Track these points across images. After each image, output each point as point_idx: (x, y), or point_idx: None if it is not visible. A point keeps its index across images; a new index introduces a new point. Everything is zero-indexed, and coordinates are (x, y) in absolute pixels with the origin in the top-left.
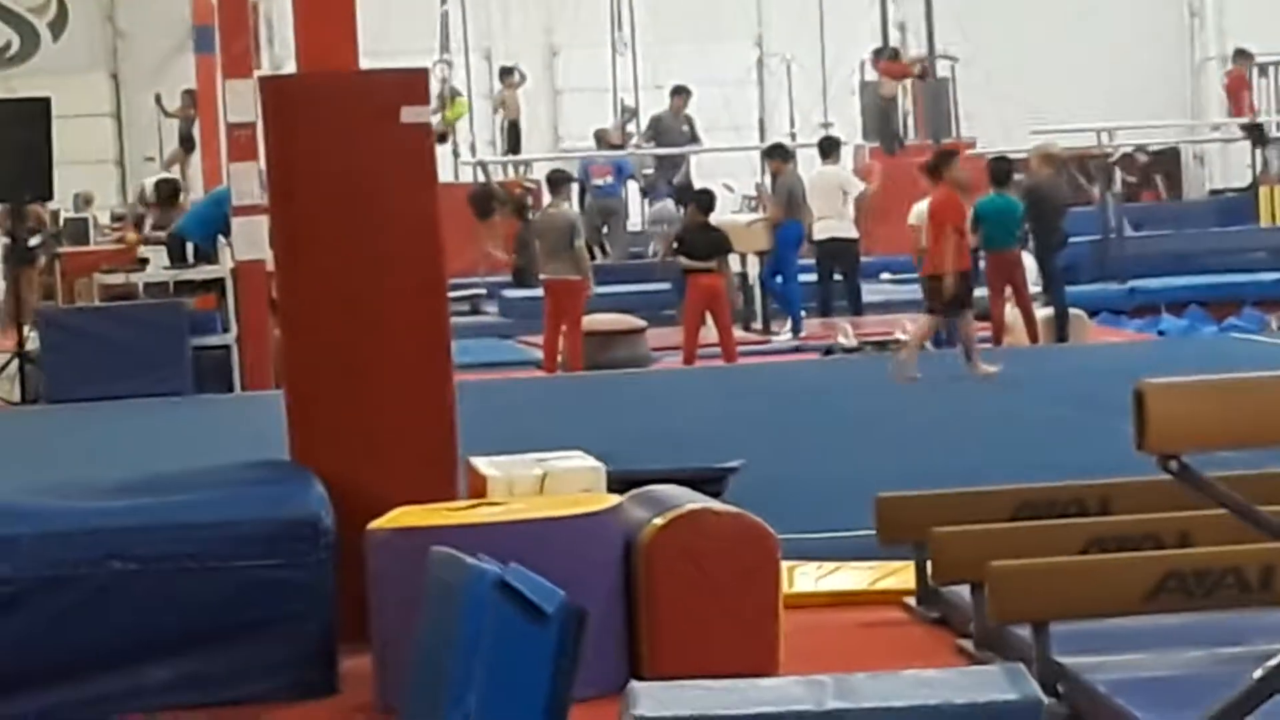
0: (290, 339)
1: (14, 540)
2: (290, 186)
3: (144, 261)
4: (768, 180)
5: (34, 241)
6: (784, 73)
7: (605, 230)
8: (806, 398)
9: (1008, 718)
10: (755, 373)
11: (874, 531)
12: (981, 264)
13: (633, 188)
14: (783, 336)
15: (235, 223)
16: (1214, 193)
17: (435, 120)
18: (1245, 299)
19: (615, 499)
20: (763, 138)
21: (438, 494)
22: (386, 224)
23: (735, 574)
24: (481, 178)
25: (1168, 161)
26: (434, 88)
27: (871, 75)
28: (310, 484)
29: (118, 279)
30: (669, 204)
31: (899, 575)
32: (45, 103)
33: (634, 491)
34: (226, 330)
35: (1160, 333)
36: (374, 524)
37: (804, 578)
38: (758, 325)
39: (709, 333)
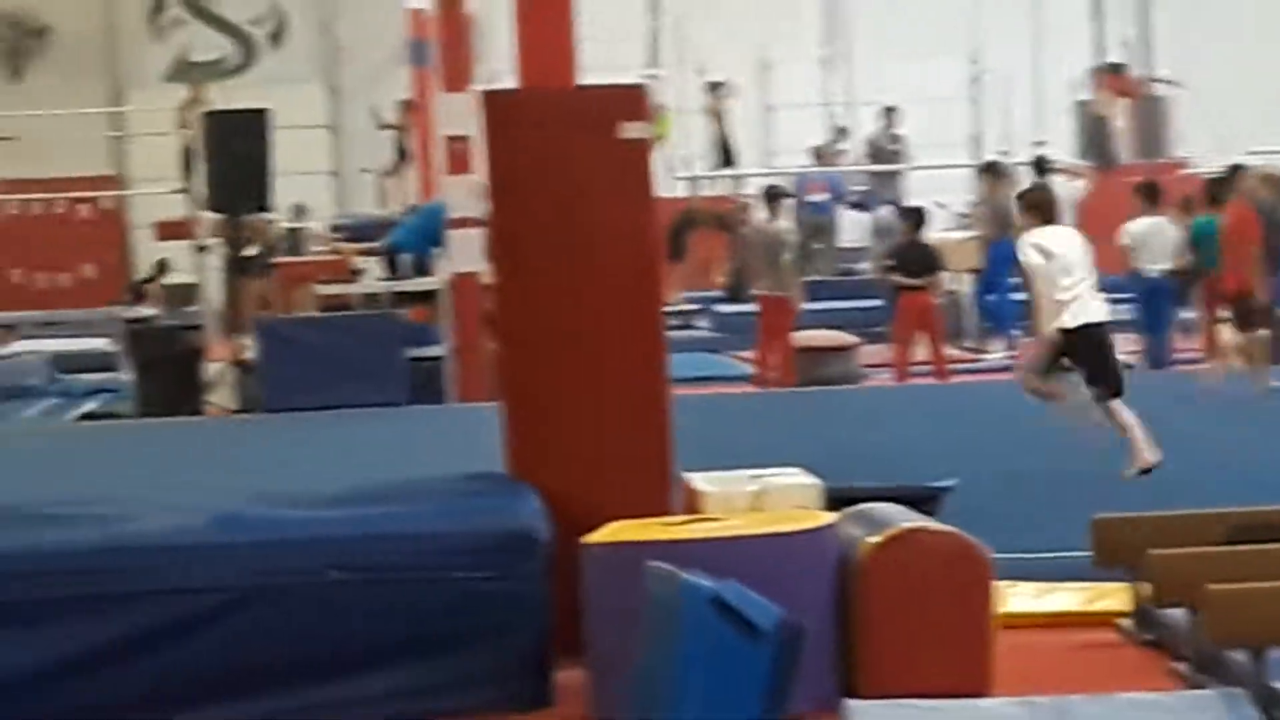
0: (508, 352)
1: (235, 548)
2: (509, 200)
3: (360, 273)
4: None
5: (251, 252)
6: (997, 89)
7: (818, 247)
8: (1018, 416)
9: None
10: (967, 391)
11: (1089, 553)
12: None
13: (846, 205)
14: (994, 354)
15: (451, 235)
16: None
17: None
18: None
19: (831, 516)
20: (975, 155)
21: (653, 509)
22: (605, 238)
23: (949, 593)
24: (689, 193)
25: None
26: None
27: (1087, 93)
28: (526, 497)
29: (334, 290)
30: (887, 215)
31: (1114, 597)
32: (265, 114)
33: (849, 509)
34: (441, 342)
35: None
36: (590, 538)
37: (1017, 598)
38: (969, 343)
39: (921, 350)
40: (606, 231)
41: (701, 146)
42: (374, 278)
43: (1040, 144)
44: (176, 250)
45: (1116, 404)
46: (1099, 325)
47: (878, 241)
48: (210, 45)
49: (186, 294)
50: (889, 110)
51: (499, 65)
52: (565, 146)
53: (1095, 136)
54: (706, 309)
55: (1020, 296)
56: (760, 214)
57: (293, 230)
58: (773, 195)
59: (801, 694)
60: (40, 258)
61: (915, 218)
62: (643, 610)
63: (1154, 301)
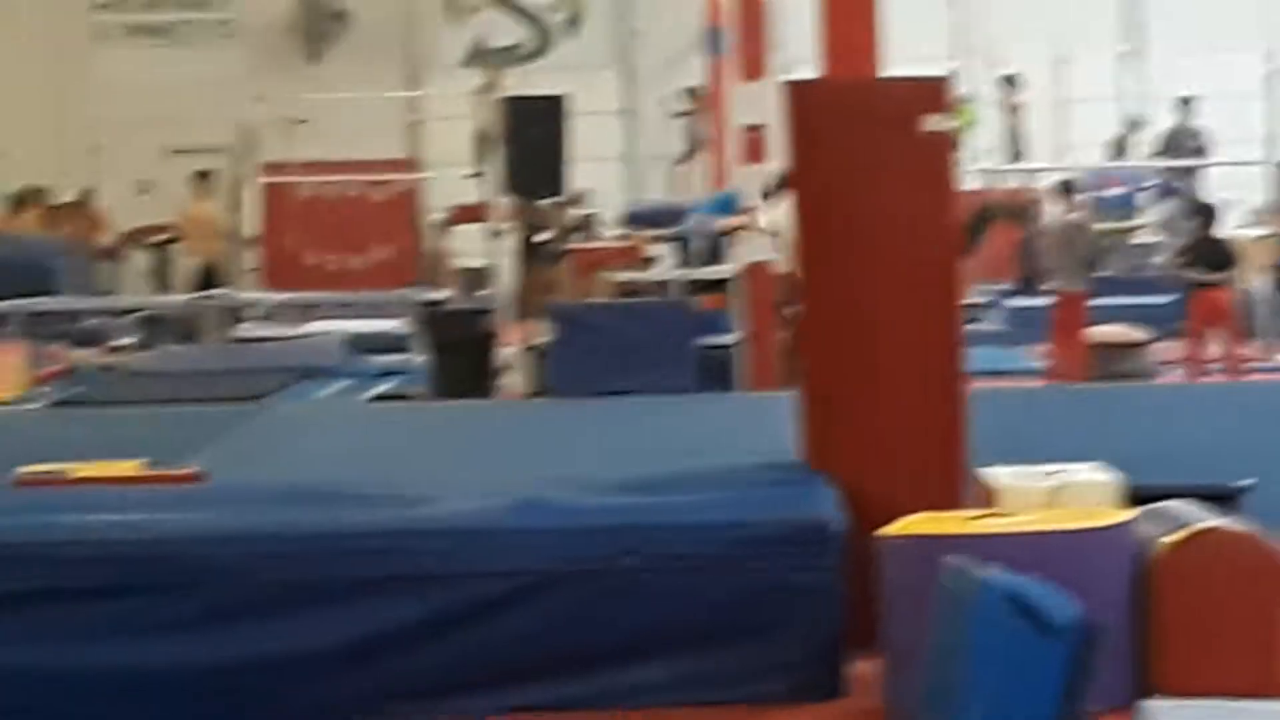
0: (807, 342)
1: (532, 533)
2: (809, 191)
3: (652, 260)
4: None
5: (544, 238)
6: None
7: (1112, 242)
8: None
9: None
10: (1261, 390)
11: None
12: None
13: (1141, 200)
14: None
15: None
16: None
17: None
18: None
19: (1128, 513)
20: (1271, 152)
21: (946, 502)
22: (905, 231)
23: (1248, 594)
24: (983, 185)
25: None
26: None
27: None
28: (821, 488)
29: (626, 276)
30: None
31: None
32: (559, 100)
33: (1146, 506)
34: (732, 330)
35: None
36: (885, 530)
37: None
38: (1263, 341)
39: (1214, 347)
40: (906, 224)
41: (995, 140)
42: (666, 265)
43: None
44: (470, 235)
45: None
46: None
47: (1171, 237)
48: (507, 31)
49: (480, 278)
50: (1186, 101)
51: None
52: (867, 139)
53: None
54: (997, 303)
55: None
56: (1055, 208)
57: (585, 216)
58: (1067, 189)
59: (1095, 692)
60: (335, 240)
61: (1207, 213)
62: (937, 604)
63: None
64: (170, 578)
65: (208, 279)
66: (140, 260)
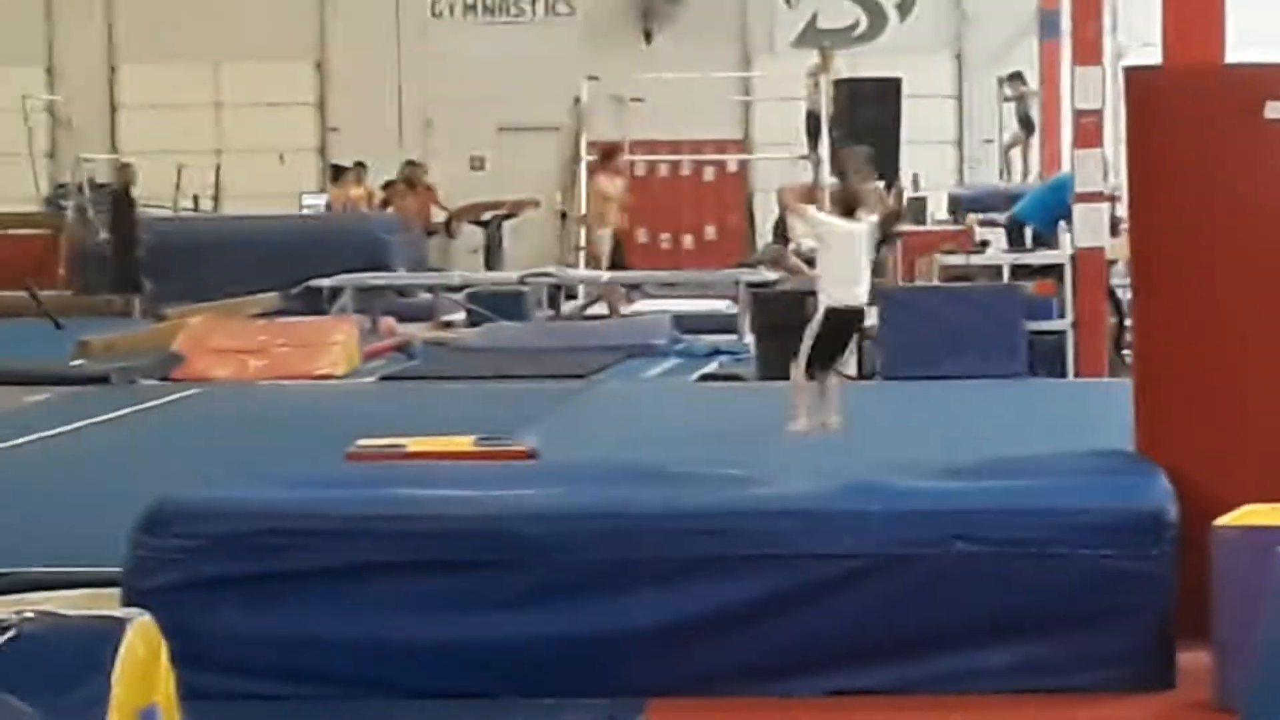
0: (1143, 330)
1: (864, 516)
2: (1150, 179)
3: (984, 244)
4: None
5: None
6: None
7: None
8: None
9: None
10: None
11: None
12: None
13: None
14: None
15: (1076, 210)
16: None
17: None
18: None
19: None
20: None
21: None
22: (1249, 219)
23: None
24: None
25: None
26: None
27: None
28: (1155, 476)
29: (957, 260)
30: None
31: None
32: (897, 83)
33: None
34: (1062, 316)
35: None
36: (1220, 520)
37: None
38: None
39: None
40: (1251, 212)
41: None
42: (997, 249)
43: None
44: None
45: None
46: None
47: None
48: (841, 13)
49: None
50: None
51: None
52: (1210, 126)
53: None
54: None
55: None
56: None
57: (915, 199)
58: None
59: None
60: (665, 218)
61: None
62: (1271, 597)
63: None
64: (504, 554)
65: (616, 251)
66: (472, 236)
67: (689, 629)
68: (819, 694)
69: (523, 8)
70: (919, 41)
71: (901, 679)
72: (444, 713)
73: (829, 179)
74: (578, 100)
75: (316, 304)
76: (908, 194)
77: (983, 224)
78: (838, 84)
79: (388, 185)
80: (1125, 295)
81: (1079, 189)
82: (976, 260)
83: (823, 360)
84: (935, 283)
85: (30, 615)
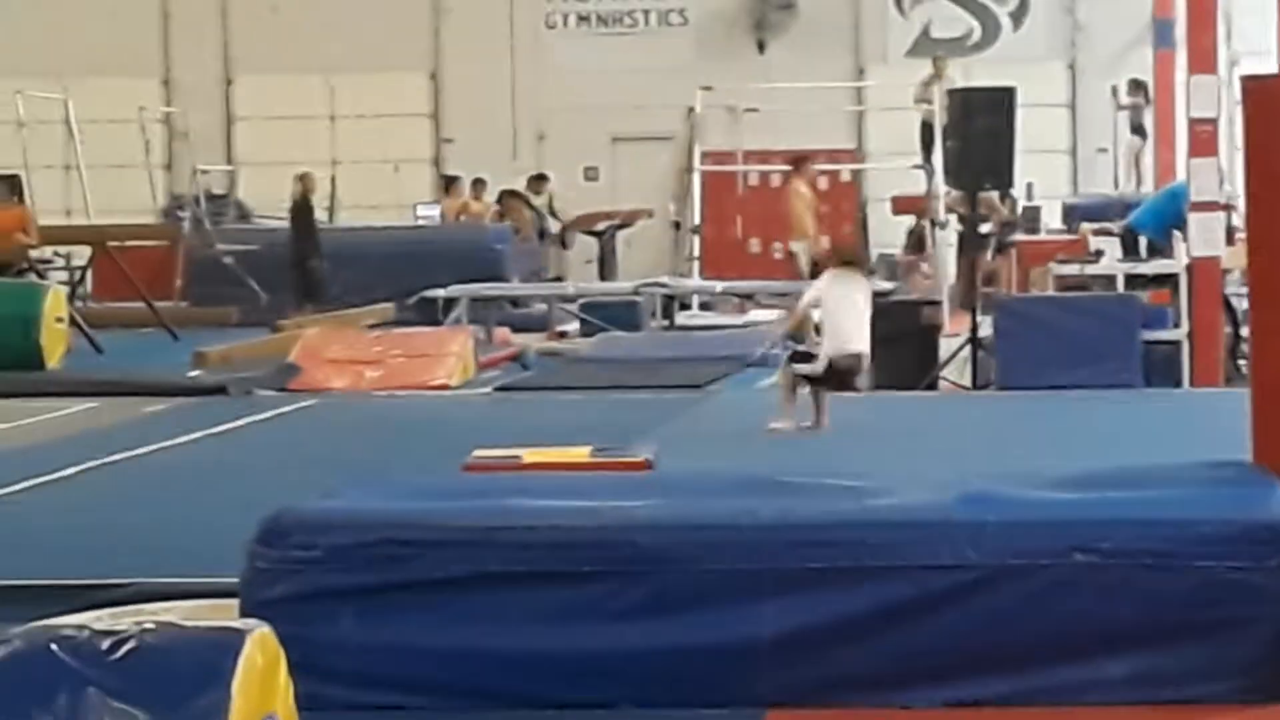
0: (1260, 340)
1: (981, 526)
2: (1267, 187)
3: (1098, 254)
4: None
5: (985, 229)
6: None
7: None
8: None
9: None
10: None
11: None
12: None
13: None
14: None
15: (1191, 219)
16: None
17: None
18: None
19: None
20: None
21: None
22: None
23: None
24: None
25: None
26: None
27: None
28: (1272, 486)
29: (1071, 269)
30: None
31: None
32: (1011, 92)
33: None
34: (1177, 326)
35: None
36: None
37: None
38: None
39: None
40: None
41: None
42: (1111, 259)
43: None
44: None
45: None
46: None
47: None
48: (954, 22)
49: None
50: None
51: (1244, 47)
52: None
53: None
54: None
55: None
56: None
57: (1028, 209)
58: None
59: None
60: (778, 228)
61: None
62: None
63: None
64: (622, 565)
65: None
66: (587, 246)
67: (806, 639)
68: (935, 705)
69: (636, 18)
70: (1032, 51)
71: (1018, 690)
72: None
73: (943, 188)
74: (691, 110)
75: (431, 314)
76: (1021, 203)
77: (1097, 233)
78: (951, 93)
79: (504, 195)
80: (1241, 304)
81: (1194, 198)
82: (1091, 270)
83: (826, 387)
84: (1050, 293)
85: (150, 626)
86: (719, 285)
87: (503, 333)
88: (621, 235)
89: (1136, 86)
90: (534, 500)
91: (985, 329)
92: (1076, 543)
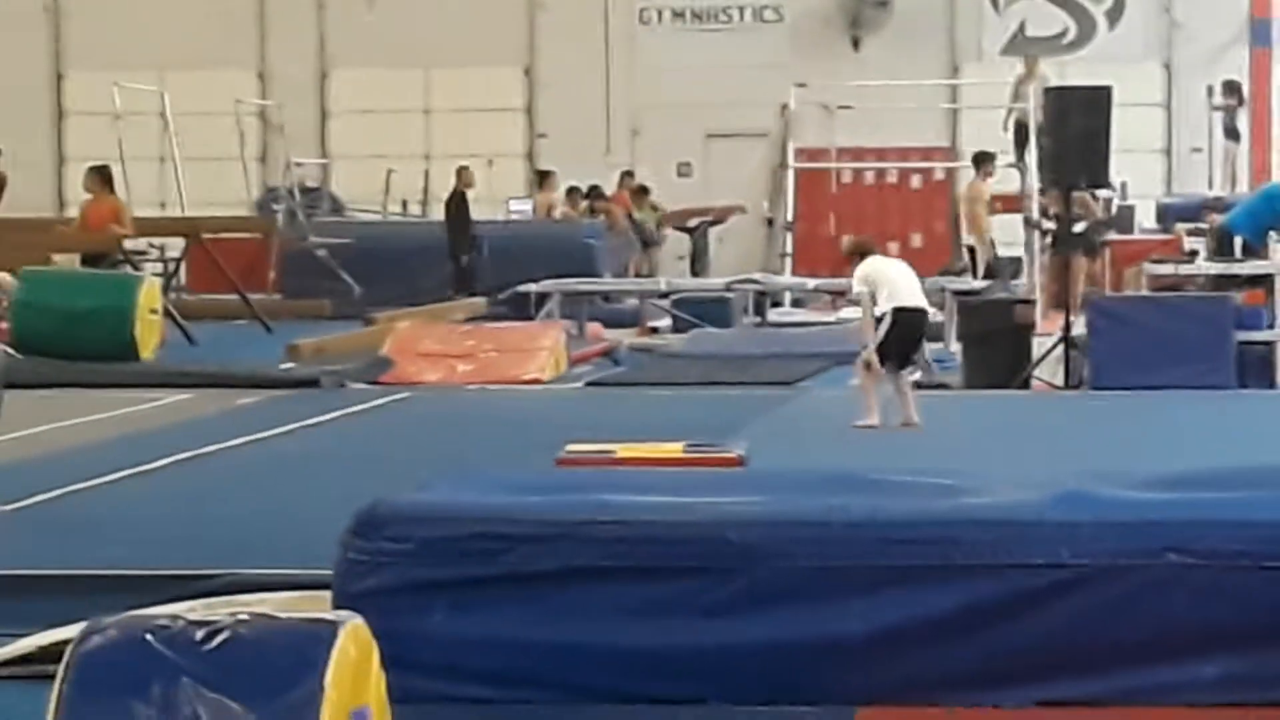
0: None
1: (1076, 526)
2: None
3: (1193, 254)
4: None
5: (1079, 228)
6: None
7: None
8: None
9: None
10: None
11: None
12: None
13: None
14: None
15: None
16: None
17: None
18: None
19: None
20: None
21: None
22: None
23: None
24: None
25: None
26: None
27: None
28: None
29: (1166, 270)
30: None
31: None
32: (1107, 91)
33: None
34: (1272, 326)
35: None
36: None
37: None
38: None
39: None
40: None
41: None
42: (1206, 258)
43: None
44: (1005, 223)
45: None
46: None
47: None
48: (1049, 20)
49: (1014, 268)
50: None
51: None
52: None
53: None
54: None
55: None
56: None
57: (1123, 208)
58: None
59: None
60: (871, 225)
61: None
62: None
63: None
64: (714, 561)
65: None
66: (679, 242)
67: (897, 637)
68: (1027, 704)
69: (730, 14)
70: (1128, 50)
71: (1110, 690)
72: (652, 719)
73: (1036, 186)
74: (785, 107)
75: (524, 309)
76: (1115, 203)
77: (1191, 233)
78: (1047, 92)
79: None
80: None
81: None
82: (1185, 270)
83: (893, 358)
84: (1143, 292)
85: (244, 617)
86: (811, 282)
87: (595, 328)
88: (714, 231)
89: (1230, 89)
90: (626, 495)
91: (1080, 328)
92: (1170, 543)
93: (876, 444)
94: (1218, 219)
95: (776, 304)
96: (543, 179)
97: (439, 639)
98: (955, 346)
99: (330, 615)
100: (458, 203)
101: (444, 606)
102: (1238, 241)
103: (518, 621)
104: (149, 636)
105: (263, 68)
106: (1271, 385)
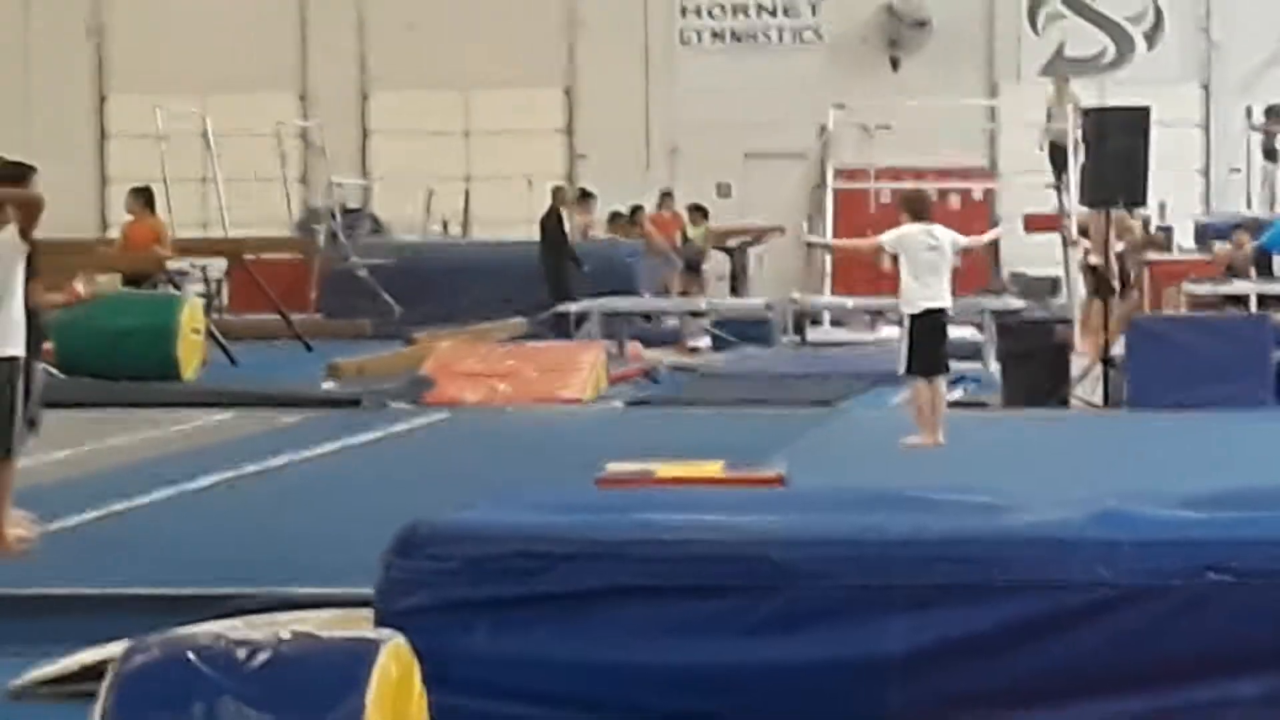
0: None
1: (1115, 545)
2: None
3: (1229, 269)
4: None
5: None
6: None
7: None
8: None
9: None
10: None
11: None
12: None
13: None
14: None
15: None
16: None
17: None
18: None
19: None
20: None
21: None
22: None
23: None
24: None
25: None
26: None
27: None
28: None
29: (1203, 289)
30: None
31: None
32: (1145, 111)
33: None
34: None
35: None
36: None
37: None
38: None
39: None
40: None
41: None
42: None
43: None
44: (1042, 244)
45: None
46: None
47: None
48: (1088, 41)
49: (1051, 288)
50: None
51: None
52: None
53: None
54: None
55: None
56: None
57: (1161, 228)
58: None
59: None
60: None
61: None
62: None
63: None
64: (755, 579)
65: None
66: (718, 262)
67: (937, 656)
68: None
69: (770, 35)
70: (1166, 70)
71: (1149, 709)
72: None
73: (1077, 207)
74: (824, 127)
75: (563, 329)
76: (1155, 223)
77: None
78: (1086, 112)
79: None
80: None
81: None
82: (1224, 289)
83: (920, 365)
84: (1182, 311)
85: (285, 636)
86: (850, 302)
87: (634, 347)
88: (753, 251)
89: (1272, 114)
90: (667, 515)
91: (1119, 348)
92: (1210, 562)
93: (916, 463)
94: (1246, 239)
95: (816, 323)
96: (582, 199)
97: (480, 658)
98: (994, 366)
99: (372, 634)
100: (555, 221)
101: (485, 626)
102: (1276, 261)
103: (559, 641)
104: (191, 655)
105: (304, 89)
106: None
